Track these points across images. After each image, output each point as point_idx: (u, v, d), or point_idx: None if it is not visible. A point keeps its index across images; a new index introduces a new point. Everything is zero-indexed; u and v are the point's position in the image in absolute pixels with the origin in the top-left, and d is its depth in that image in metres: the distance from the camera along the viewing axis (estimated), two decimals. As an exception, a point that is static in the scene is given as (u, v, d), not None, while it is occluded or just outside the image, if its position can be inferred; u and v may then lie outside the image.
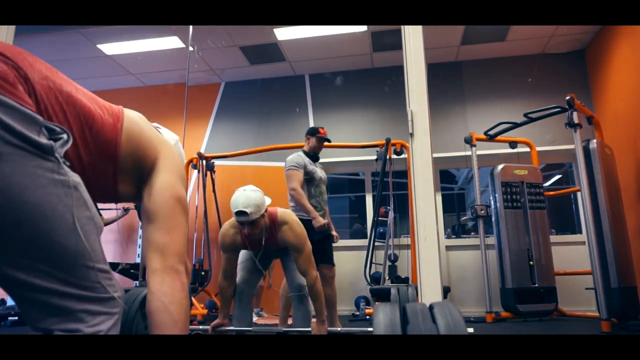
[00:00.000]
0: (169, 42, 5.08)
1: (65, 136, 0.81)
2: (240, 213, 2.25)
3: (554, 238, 4.55)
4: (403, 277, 4.16)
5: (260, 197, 2.31)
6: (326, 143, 3.50)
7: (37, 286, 0.74)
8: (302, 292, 2.60)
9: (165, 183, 1.03)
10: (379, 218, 4.33)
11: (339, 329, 2.73)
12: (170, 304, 0.91)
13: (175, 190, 1.03)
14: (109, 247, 5.51)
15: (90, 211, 0.83)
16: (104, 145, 0.95)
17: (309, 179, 3.27)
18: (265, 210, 2.35)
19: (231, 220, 2.50)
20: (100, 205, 4.93)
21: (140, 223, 5.08)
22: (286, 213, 2.49)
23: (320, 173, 3.36)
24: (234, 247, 2.50)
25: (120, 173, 1.01)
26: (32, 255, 0.73)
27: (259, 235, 2.39)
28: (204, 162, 4.89)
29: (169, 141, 1.14)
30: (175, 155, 1.11)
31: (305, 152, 3.38)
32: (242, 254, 2.75)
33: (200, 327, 2.66)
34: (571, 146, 4.46)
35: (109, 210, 5.20)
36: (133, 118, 1.05)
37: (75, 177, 0.81)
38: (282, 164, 3.18)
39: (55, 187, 0.76)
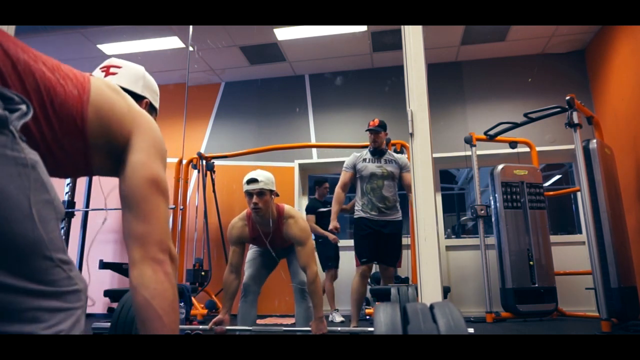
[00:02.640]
0: (169, 42, 5.09)
1: (24, 107, 0.69)
2: (251, 180, 2.41)
3: (554, 238, 4.55)
4: (403, 277, 4.16)
5: (271, 176, 2.50)
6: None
7: None
8: (304, 287, 2.62)
9: (137, 164, 0.93)
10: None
11: (339, 328, 2.73)
12: (152, 298, 0.86)
13: (149, 170, 0.94)
14: (109, 247, 5.51)
15: (50, 194, 0.72)
16: (68, 120, 0.87)
17: (360, 177, 3.28)
18: (273, 193, 2.49)
19: (241, 214, 2.61)
20: (101, 205, 4.92)
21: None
22: (293, 209, 2.61)
23: (373, 168, 3.30)
24: (241, 239, 2.58)
25: (92, 148, 0.92)
26: None
27: (265, 218, 2.46)
28: (204, 162, 4.89)
29: (145, 113, 1.02)
30: (152, 128, 1.00)
31: (369, 149, 3.43)
32: (251, 252, 2.78)
33: (200, 327, 2.65)
34: (571, 146, 4.46)
35: (113, 210, 5.20)
36: (101, 88, 0.94)
37: (32, 155, 0.69)
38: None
39: (8, 165, 0.65)
